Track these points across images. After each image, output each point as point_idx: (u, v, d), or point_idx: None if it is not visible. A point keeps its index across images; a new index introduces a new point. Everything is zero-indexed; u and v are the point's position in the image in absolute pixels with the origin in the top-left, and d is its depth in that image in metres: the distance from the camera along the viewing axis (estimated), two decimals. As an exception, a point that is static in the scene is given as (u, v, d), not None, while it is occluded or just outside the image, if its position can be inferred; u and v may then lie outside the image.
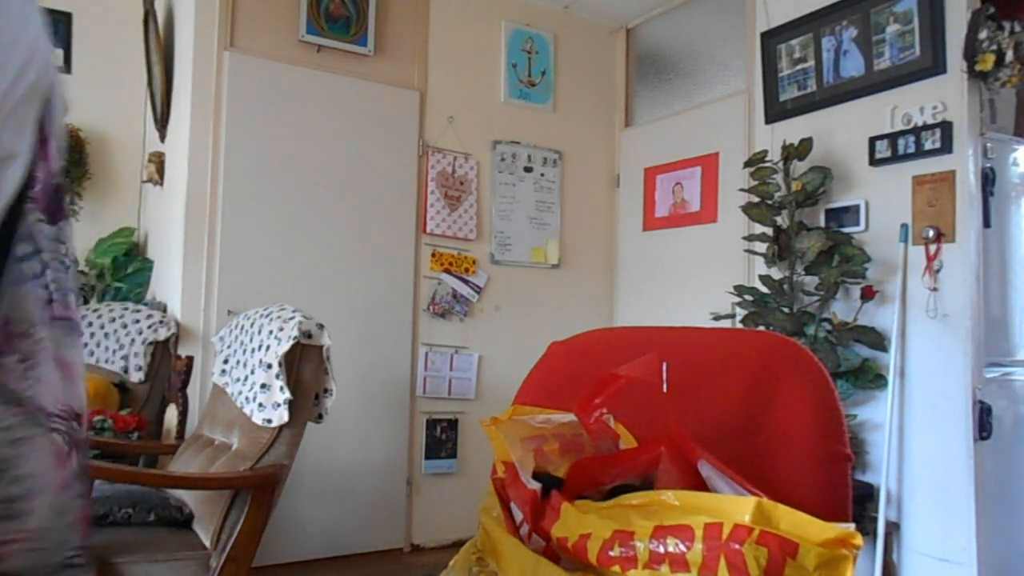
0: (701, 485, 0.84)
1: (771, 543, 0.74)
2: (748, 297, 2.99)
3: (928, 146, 2.68)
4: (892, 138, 2.79)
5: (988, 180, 2.70)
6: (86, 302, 3.30)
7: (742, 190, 3.11)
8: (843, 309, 2.87)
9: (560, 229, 4.03)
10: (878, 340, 2.72)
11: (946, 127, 2.64)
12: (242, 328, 2.37)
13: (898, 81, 2.79)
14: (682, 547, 0.75)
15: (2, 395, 0.53)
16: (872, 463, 2.77)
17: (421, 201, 3.61)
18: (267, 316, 2.25)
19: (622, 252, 4.17)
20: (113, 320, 3.03)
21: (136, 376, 2.94)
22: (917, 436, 2.71)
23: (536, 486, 0.94)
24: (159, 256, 3.43)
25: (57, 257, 0.58)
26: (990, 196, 2.70)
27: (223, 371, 2.42)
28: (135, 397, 2.92)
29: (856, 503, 2.41)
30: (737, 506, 0.78)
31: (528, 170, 3.93)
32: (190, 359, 2.73)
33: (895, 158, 2.78)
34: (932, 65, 2.69)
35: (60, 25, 3.49)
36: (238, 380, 2.30)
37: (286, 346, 2.09)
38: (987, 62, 2.54)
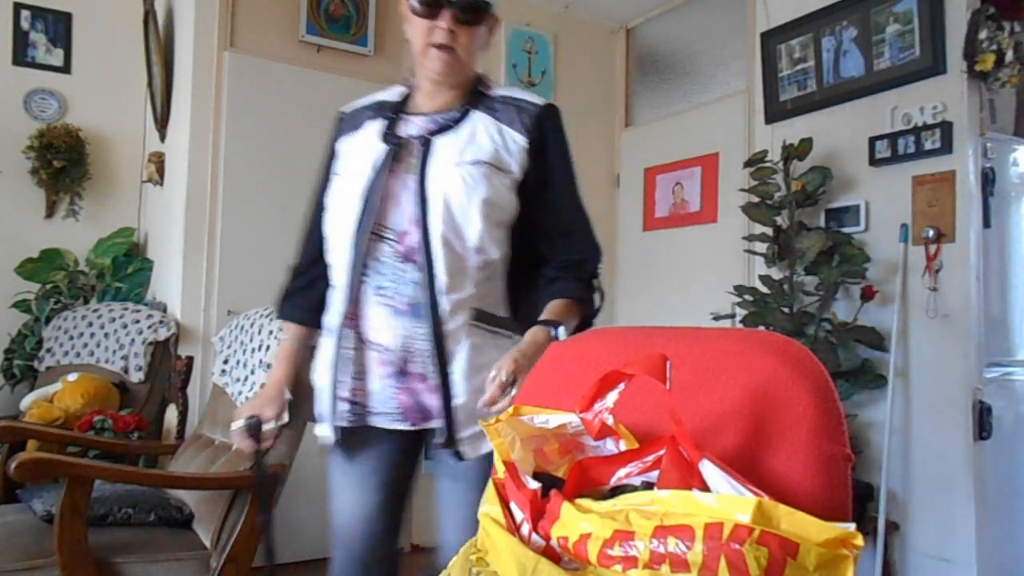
0: (702, 485, 0.84)
1: (772, 543, 0.74)
2: (748, 297, 2.99)
3: (928, 146, 2.68)
4: (892, 138, 2.79)
5: (988, 180, 2.70)
6: (86, 302, 3.30)
7: (742, 190, 3.11)
8: (843, 309, 2.87)
9: (560, 229, 4.02)
10: (878, 340, 2.72)
11: (946, 127, 2.64)
12: (242, 328, 2.37)
13: (898, 81, 2.79)
14: (683, 547, 0.75)
15: None
16: (872, 463, 2.77)
17: (421, 201, 3.61)
18: (267, 316, 2.25)
19: (622, 252, 4.17)
20: (113, 320, 3.03)
21: (136, 376, 2.94)
22: (917, 436, 2.71)
23: (536, 486, 0.94)
24: (159, 256, 3.43)
25: None
26: (990, 196, 2.70)
27: (223, 371, 2.42)
28: (135, 397, 2.92)
29: (856, 503, 2.41)
30: (737, 506, 0.78)
31: (528, 170, 3.93)
32: (190, 359, 2.73)
33: (895, 158, 2.78)
34: (932, 65, 2.69)
35: (60, 25, 3.49)
36: (238, 380, 2.30)
37: (286, 346, 2.08)
38: (987, 62, 2.54)
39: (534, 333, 1.33)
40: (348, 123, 1.52)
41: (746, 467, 0.88)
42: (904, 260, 2.73)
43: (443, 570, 0.99)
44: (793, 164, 2.94)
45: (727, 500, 0.79)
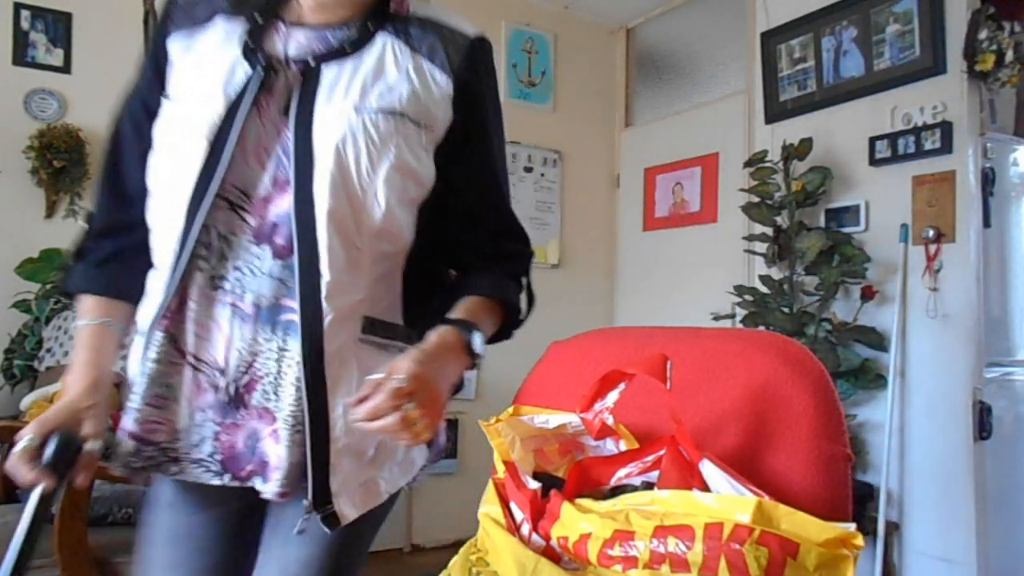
0: (702, 485, 0.84)
1: (772, 543, 0.74)
2: (748, 297, 2.99)
3: (928, 146, 2.68)
4: (892, 138, 2.79)
5: (988, 180, 2.70)
6: (86, 302, 3.30)
7: (742, 190, 3.11)
8: (843, 309, 2.87)
9: (560, 229, 4.02)
10: (878, 340, 2.72)
11: (946, 127, 2.64)
12: (242, 328, 2.37)
13: (898, 81, 2.79)
14: (683, 547, 0.75)
15: None
16: (872, 463, 2.77)
17: (421, 201, 3.61)
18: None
19: (622, 252, 4.17)
20: (113, 320, 3.03)
21: (136, 376, 2.93)
22: (917, 436, 2.71)
23: (536, 486, 0.94)
24: (159, 256, 3.42)
25: None
26: (990, 196, 2.70)
27: (223, 371, 2.42)
28: (135, 397, 2.91)
29: (856, 503, 2.41)
30: (737, 506, 0.78)
31: (528, 170, 3.93)
32: (190, 359, 2.72)
33: (895, 158, 2.78)
34: (932, 65, 2.69)
35: (60, 25, 3.49)
36: (238, 380, 2.29)
37: (286, 346, 2.08)
38: (987, 62, 2.54)
39: (443, 335, 0.92)
40: (185, 13, 1.03)
41: (746, 467, 0.88)
42: (904, 260, 2.73)
43: None
44: (793, 164, 2.94)
45: (727, 500, 0.79)
